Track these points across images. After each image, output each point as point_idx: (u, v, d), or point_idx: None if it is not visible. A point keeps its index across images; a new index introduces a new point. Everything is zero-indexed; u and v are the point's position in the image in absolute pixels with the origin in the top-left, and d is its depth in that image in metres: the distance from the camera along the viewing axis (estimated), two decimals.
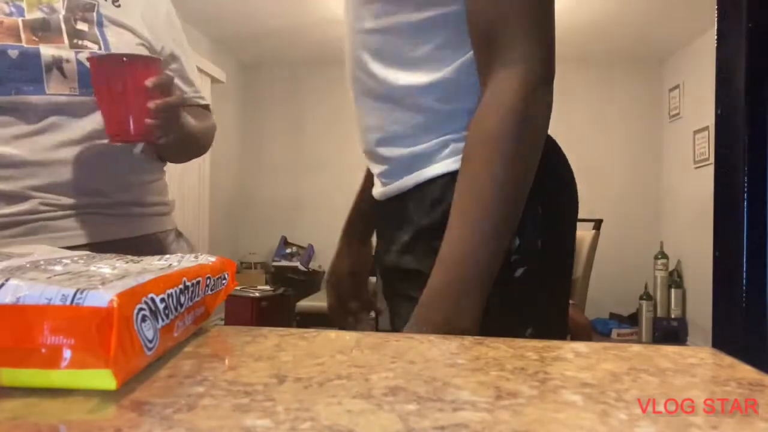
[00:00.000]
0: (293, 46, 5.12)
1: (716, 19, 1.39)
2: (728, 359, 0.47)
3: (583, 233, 3.43)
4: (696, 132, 4.50)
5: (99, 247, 0.78)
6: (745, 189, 1.26)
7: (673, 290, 4.74)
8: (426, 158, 0.67)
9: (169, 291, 0.43)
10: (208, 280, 0.53)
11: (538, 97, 0.65)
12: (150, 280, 0.41)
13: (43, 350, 0.35)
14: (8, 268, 0.43)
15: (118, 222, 0.82)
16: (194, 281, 0.49)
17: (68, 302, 0.35)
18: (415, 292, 0.61)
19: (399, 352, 0.47)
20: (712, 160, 4.01)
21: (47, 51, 0.77)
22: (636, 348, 0.50)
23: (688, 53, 4.76)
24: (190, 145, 0.94)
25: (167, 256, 0.57)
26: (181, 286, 0.46)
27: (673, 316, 4.73)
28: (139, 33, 0.88)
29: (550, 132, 0.72)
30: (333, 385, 0.38)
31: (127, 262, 0.50)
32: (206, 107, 1.03)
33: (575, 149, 5.44)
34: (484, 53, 0.63)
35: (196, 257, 0.57)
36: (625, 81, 5.27)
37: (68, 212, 0.78)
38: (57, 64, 0.77)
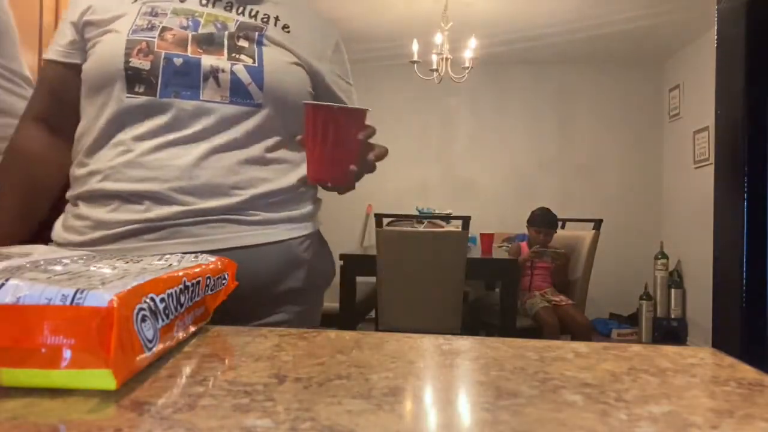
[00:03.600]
0: None
1: (716, 19, 1.39)
2: (728, 359, 0.47)
3: (583, 233, 3.43)
4: (696, 132, 4.50)
5: (227, 253, 0.81)
6: (745, 189, 1.26)
7: (673, 290, 4.73)
8: None
9: (169, 291, 0.43)
10: (208, 280, 0.53)
11: None
12: (150, 280, 0.41)
13: (43, 350, 0.35)
14: (8, 268, 0.43)
15: (249, 229, 0.85)
16: (194, 281, 0.49)
17: (68, 302, 0.35)
18: None
19: (399, 352, 0.47)
20: (712, 160, 4.02)
21: (207, 61, 0.84)
22: (636, 348, 0.50)
23: (688, 53, 4.76)
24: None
25: (168, 255, 0.57)
26: (181, 286, 0.46)
27: (673, 316, 4.72)
28: (302, 57, 0.92)
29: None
30: (333, 385, 0.38)
31: (127, 262, 0.50)
32: None
33: (575, 149, 5.45)
34: None
35: (196, 257, 0.57)
36: (625, 81, 5.27)
37: (202, 218, 0.82)
38: (214, 73, 0.84)
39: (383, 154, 0.83)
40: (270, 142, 0.88)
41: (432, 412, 0.35)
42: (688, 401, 0.36)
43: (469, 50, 3.72)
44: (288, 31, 0.93)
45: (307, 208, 0.95)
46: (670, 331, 4.70)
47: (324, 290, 1.01)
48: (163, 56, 0.83)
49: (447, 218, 3.50)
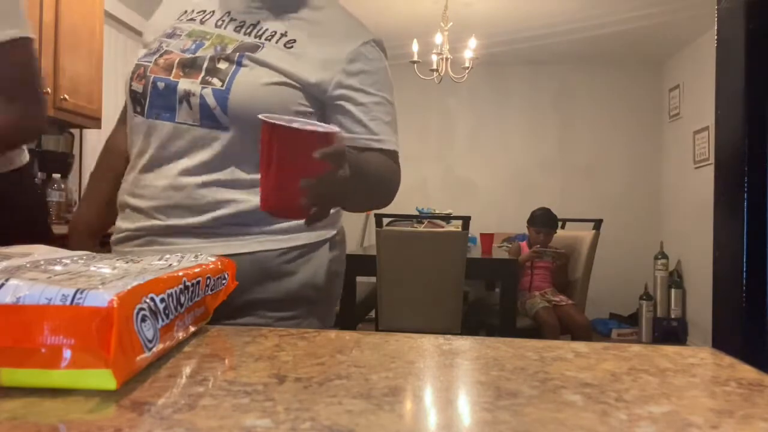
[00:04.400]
0: None
1: (716, 19, 1.39)
2: (728, 359, 0.47)
3: (583, 233, 3.43)
4: (696, 132, 4.50)
5: None
6: (745, 189, 1.26)
7: (673, 290, 4.73)
8: None
9: (169, 291, 0.43)
10: (208, 280, 0.53)
11: None
12: (150, 280, 0.41)
13: (43, 350, 0.35)
14: (8, 268, 0.43)
15: (215, 240, 0.89)
16: (194, 281, 0.49)
17: (68, 302, 0.35)
18: None
19: (399, 352, 0.47)
20: (712, 160, 4.01)
21: (182, 85, 0.88)
22: (636, 348, 0.50)
23: (688, 53, 4.76)
24: (361, 202, 0.96)
25: (168, 255, 0.57)
26: (181, 286, 0.46)
27: (673, 316, 4.73)
28: (295, 74, 0.89)
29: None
30: (333, 385, 0.38)
31: (127, 262, 0.50)
32: (385, 152, 1.01)
33: (575, 149, 5.43)
34: None
35: (196, 257, 0.57)
36: (625, 81, 5.27)
37: (173, 231, 0.89)
38: (186, 97, 0.87)
39: (331, 178, 0.68)
40: (243, 163, 0.88)
41: (432, 412, 0.35)
42: (688, 401, 0.36)
43: (469, 50, 3.72)
44: (290, 47, 0.91)
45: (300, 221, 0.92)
46: (670, 331, 4.70)
47: (324, 302, 0.97)
48: (151, 80, 0.90)
49: (447, 218, 3.50)
